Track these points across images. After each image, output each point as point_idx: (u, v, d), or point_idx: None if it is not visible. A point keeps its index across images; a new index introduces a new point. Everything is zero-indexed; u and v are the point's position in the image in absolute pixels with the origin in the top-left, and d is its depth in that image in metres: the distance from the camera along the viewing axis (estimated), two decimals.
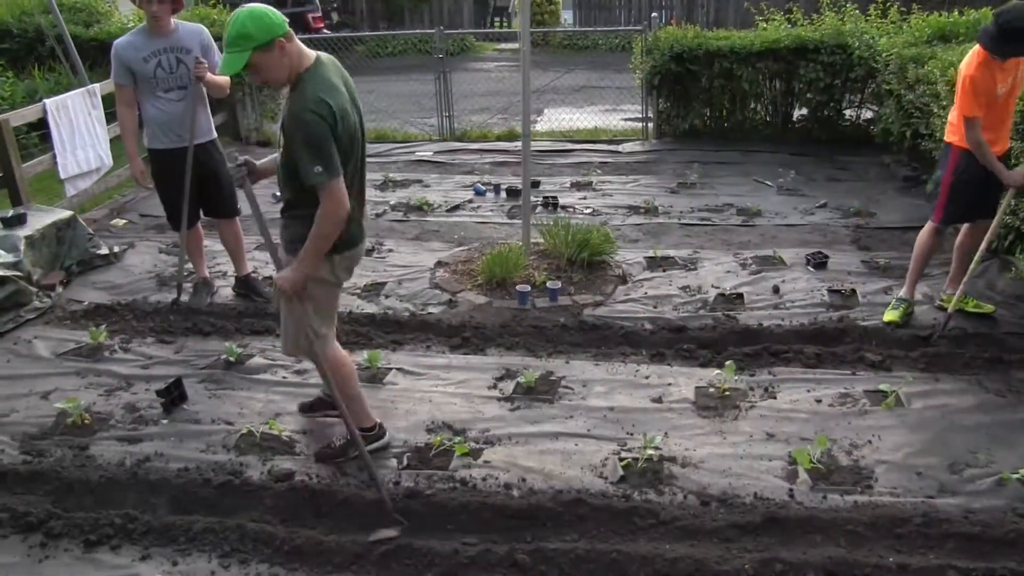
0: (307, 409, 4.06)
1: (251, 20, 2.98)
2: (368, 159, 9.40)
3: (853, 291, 5.15)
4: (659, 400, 4.07)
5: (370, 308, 5.17)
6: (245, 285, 5.38)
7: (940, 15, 7.58)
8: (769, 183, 7.55)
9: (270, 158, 3.49)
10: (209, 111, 5.08)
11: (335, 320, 3.63)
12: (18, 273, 5.20)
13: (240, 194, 4.22)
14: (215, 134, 5.16)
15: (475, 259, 5.82)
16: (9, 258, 5.26)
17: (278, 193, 7.57)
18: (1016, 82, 4.43)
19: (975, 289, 5.11)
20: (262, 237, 3.33)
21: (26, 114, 6.65)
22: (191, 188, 4.95)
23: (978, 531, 3.06)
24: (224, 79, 4.89)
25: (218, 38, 3.99)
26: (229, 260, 5.63)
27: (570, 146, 9.23)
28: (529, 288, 5.18)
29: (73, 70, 9.11)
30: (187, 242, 5.20)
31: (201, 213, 5.26)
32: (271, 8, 3.07)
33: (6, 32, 10.43)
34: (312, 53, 3.20)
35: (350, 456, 3.62)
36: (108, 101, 7.65)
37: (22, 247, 5.36)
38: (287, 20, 3.13)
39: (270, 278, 4.86)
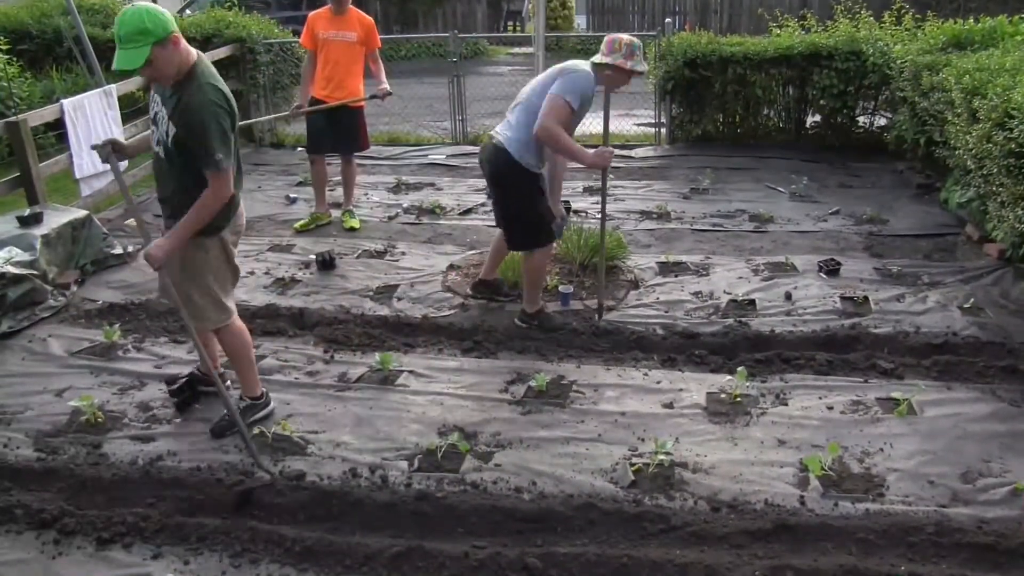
0: (176, 387, 4.18)
1: (148, 16, 3.19)
2: (381, 162, 9.41)
3: (865, 298, 5.13)
4: (670, 405, 4.06)
5: (382, 311, 5.19)
6: (488, 287, 5.26)
7: (955, 22, 7.54)
8: (782, 189, 7.53)
9: (139, 138, 3.62)
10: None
11: (233, 290, 3.89)
12: (34, 271, 5.24)
13: None
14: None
15: None
16: (25, 256, 5.30)
17: (291, 195, 7.65)
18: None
19: (989, 297, 5.09)
20: (129, 209, 3.40)
21: (44, 114, 6.71)
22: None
23: (992, 541, 3.04)
24: None
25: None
26: (251, 259, 5.62)
27: None
28: (572, 289, 5.22)
29: (90, 71, 9.17)
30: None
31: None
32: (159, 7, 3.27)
33: (26, 33, 10.52)
34: (194, 50, 3.45)
35: (247, 422, 3.80)
36: (124, 102, 7.72)
37: (38, 246, 5.40)
38: None
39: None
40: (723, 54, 8.61)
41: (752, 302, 5.15)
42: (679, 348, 4.62)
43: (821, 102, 8.63)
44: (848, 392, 4.13)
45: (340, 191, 7.03)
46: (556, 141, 4.41)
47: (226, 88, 3.47)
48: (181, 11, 14.43)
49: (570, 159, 4.50)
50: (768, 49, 8.55)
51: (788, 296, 5.22)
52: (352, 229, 6.72)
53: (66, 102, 6.79)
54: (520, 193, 4.65)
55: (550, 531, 3.20)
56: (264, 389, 4.05)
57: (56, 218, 5.79)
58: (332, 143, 6.66)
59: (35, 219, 5.67)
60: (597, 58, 4.52)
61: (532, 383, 4.23)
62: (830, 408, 3.99)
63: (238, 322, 3.90)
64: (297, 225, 6.78)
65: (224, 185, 3.40)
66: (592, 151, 4.55)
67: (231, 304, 3.85)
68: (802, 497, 3.35)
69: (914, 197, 7.25)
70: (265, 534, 3.18)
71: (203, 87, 3.34)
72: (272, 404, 4.06)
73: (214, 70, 3.47)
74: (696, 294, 5.29)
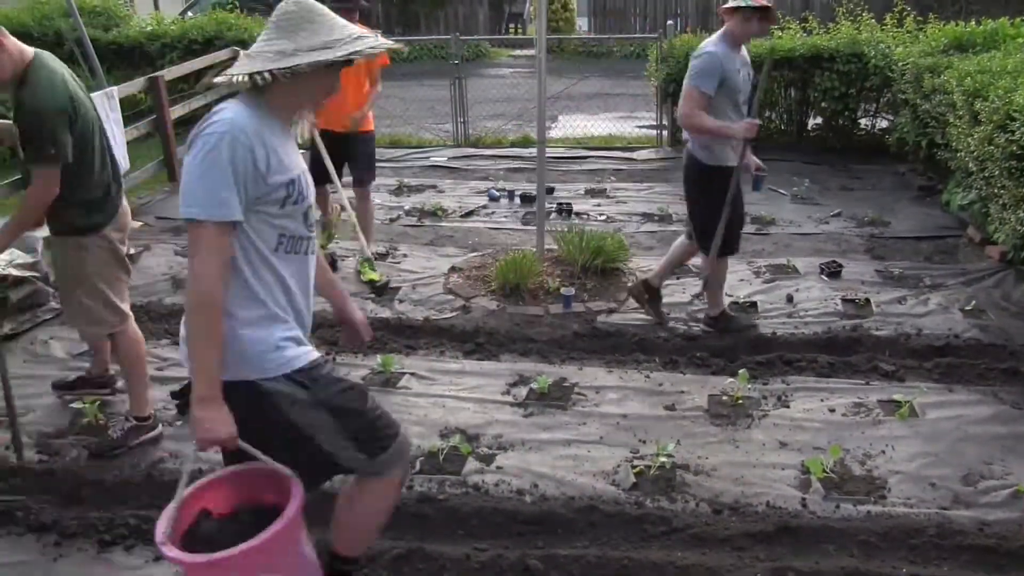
0: (65, 387, 4.20)
1: None
2: (383, 164, 9.42)
3: (867, 300, 5.13)
4: (672, 408, 4.06)
5: (384, 313, 5.19)
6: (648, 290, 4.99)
7: (956, 25, 7.54)
8: (783, 191, 7.53)
9: (4, 123, 3.61)
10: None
11: (127, 296, 3.80)
12: (35, 274, 5.25)
13: None
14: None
15: (489, 265, 5.83)
16: (27, 259, 5.31)
17: None
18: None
19: (990, 299, 5.09)
20: None
21: None
22: None
23: (993, 543, 3.04)
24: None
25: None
26: None
27: (584, 153, 9.23)
28: (573, 291, 5.22)
29: (92, 73, 9.19)
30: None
31: None
32: None
33: (27, 35, 10.50)
34: (30, 49, 3.40)
35: (130, 445, 3.73)
36: (125, 104, 7.73)
37: (40, 248, 5.41)
38: None
39: None
40: None
41: (754, 304, 5.15)
42: (681, 350, 4.62)
43: (823, 104, 8.63)
44: (850, 394, 4.12)
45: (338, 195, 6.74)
46: (696, 124, 4.45)
47: (70, 83, 3.43)
48: (182, 13, 14.45)
49: (718, 136, 4.47)
50: (769, 51, 8.54)
51: (789, 298, 5.22)
52: (372, 282, 5.59)
53: None
54: (696, 190, 4.67)
55: (551, 533, 3.20)
56: (153, 412, 3.86)
57: None
58: (341, 172, 5.75)
59: None
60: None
61: (534, 385, 4.23)
62: (832, 410, 3.99)
63: (135, 329, 3.79)
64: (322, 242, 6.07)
65: (49, 180, 3.34)
66: (739, 123, 4.49)
67: (126, 307, 3.73)
68: (804, 499, 3.35)
69: (915, 199, 7.25)
70: None
71: (40, 84, 3.30)
72: (159, 428, 3.85)
73: (55, 66, 3.41)
74: (698, 296, 5.28)
